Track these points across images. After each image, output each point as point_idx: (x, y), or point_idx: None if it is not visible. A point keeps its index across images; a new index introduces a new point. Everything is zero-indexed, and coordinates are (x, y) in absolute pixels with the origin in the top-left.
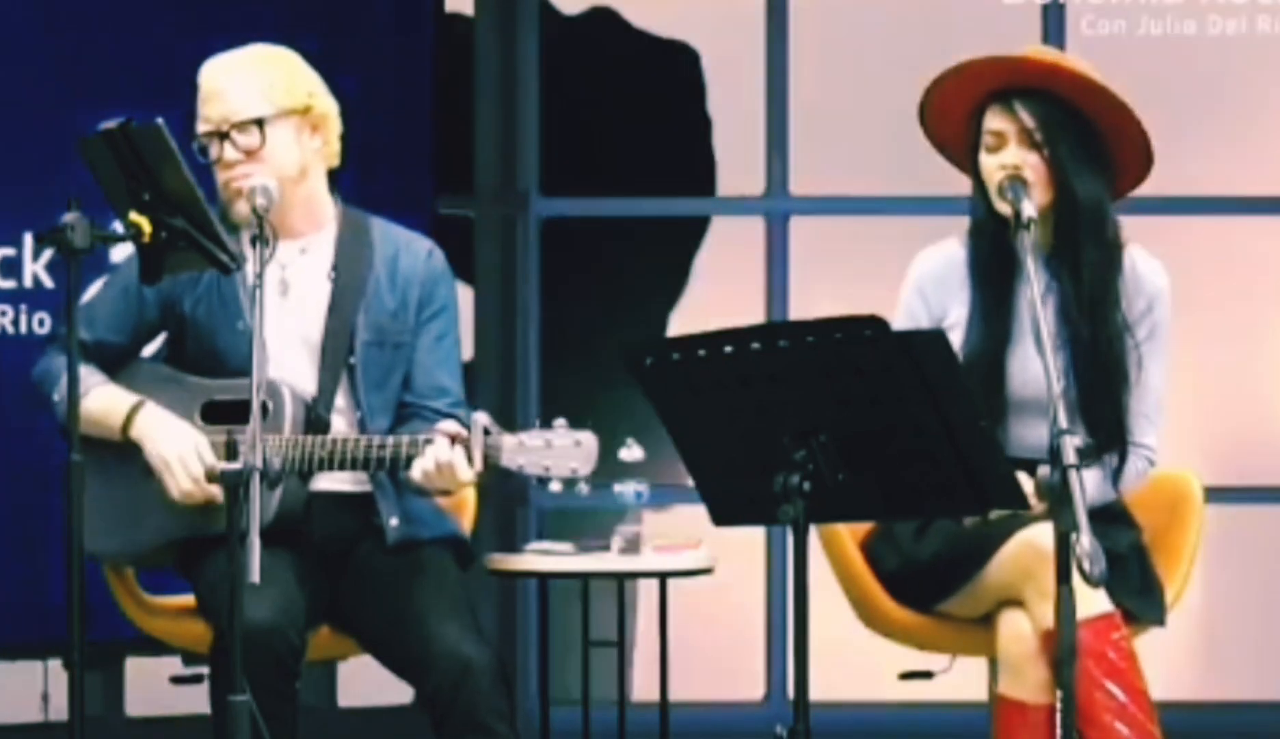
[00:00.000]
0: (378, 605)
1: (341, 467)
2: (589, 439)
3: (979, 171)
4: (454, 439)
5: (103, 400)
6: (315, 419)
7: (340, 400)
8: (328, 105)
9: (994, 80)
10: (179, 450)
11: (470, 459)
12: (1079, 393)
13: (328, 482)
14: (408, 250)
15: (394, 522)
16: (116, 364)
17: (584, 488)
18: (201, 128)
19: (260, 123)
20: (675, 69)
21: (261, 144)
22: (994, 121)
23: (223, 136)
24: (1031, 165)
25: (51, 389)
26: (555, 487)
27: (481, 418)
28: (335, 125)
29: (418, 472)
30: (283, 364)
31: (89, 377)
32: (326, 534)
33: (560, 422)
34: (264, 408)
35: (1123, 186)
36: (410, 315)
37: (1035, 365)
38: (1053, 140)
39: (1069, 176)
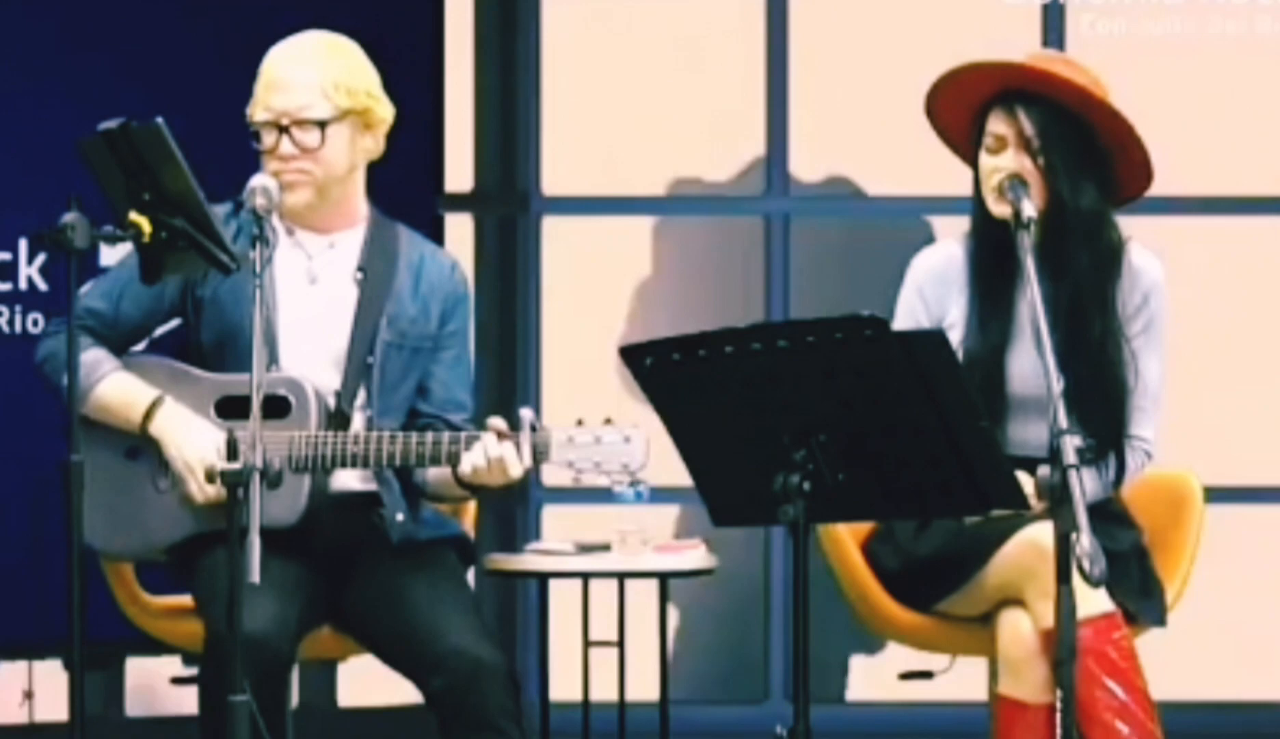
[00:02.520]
0: (383, 605)
1: (377, 464)
2: (638, 435)
3: (975, 172)
4: (501, 435)
5: (121, 389)
6: (338, 415)
7: (359, 399)
8: (386, 107)
9: (995, 83)
10: (201, 453)
11: (520, 454)
12: (1073, 394)
13: (337, 480)
14: (433, 260)
15: (400, 517)
16: (129, 339)
17: (634, 487)
18: (260, 115)
19: (323, 125)
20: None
21: (320, 145)
22: (996, 124)
23: (281, 129)
24: (1027, 171)
25: (60, 372)
26: (603, 482)
27: (527, 414)
28: (386, 124)
29: (468, 467)
30: (303, 357)
31: (104, 362)
32: (330, 536)
33: (607, 419)
34: (286, 404)
35: (1124, 195)
36: (432, 324)
37: (1034, 364)
38: (1049, 149)
39: (1061, 185)
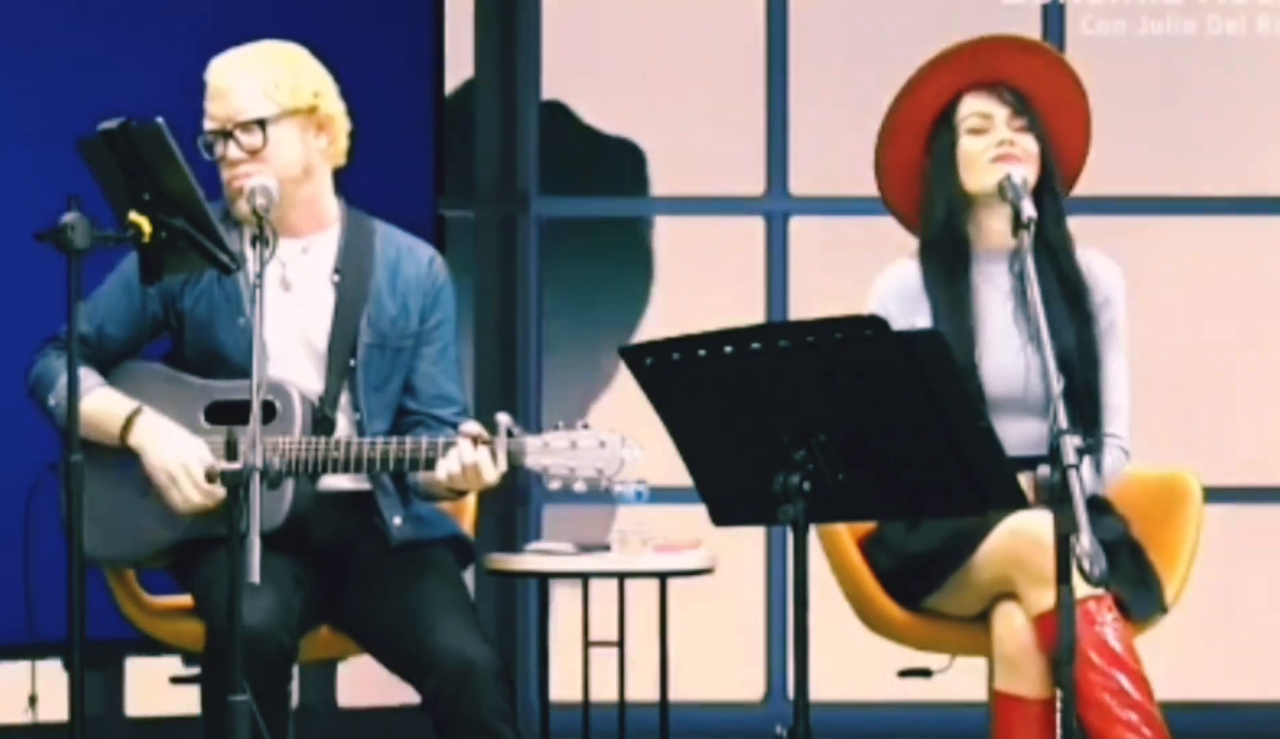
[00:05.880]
0: (380, 605)
1: (358, 468)
2: (613, 440)
3: (930, 187)
4: (476, 440)
5: (100, 404)
6: (322, 419)
7: (341, 401)
8: (335, 105)
9: (971, 74)
10: (181, 461)
11: (495, 460)
12: (1069, 394)
13: (328, 481)
14: (410, 256)
15: (397, 521)
16: (116, 360)
17: (617, 488)
18: (207, 125)
19: (263, 123)
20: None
21: (264, 144)
22: (978, 103)
23: (226, 135)
24: (1024, 144)
25: (47, 393)
26: (580, 487)
27: (504, 419)
28: (343, 125)
29: (443, 473)
30: (284, 363)
31: (86, 378)
32: (327, 534)
33: (583, 423)
34: (272, 409)
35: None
36: (412, 322)
37: (1006, 363)
38: (1034, 119)
39: (1050, 156)
